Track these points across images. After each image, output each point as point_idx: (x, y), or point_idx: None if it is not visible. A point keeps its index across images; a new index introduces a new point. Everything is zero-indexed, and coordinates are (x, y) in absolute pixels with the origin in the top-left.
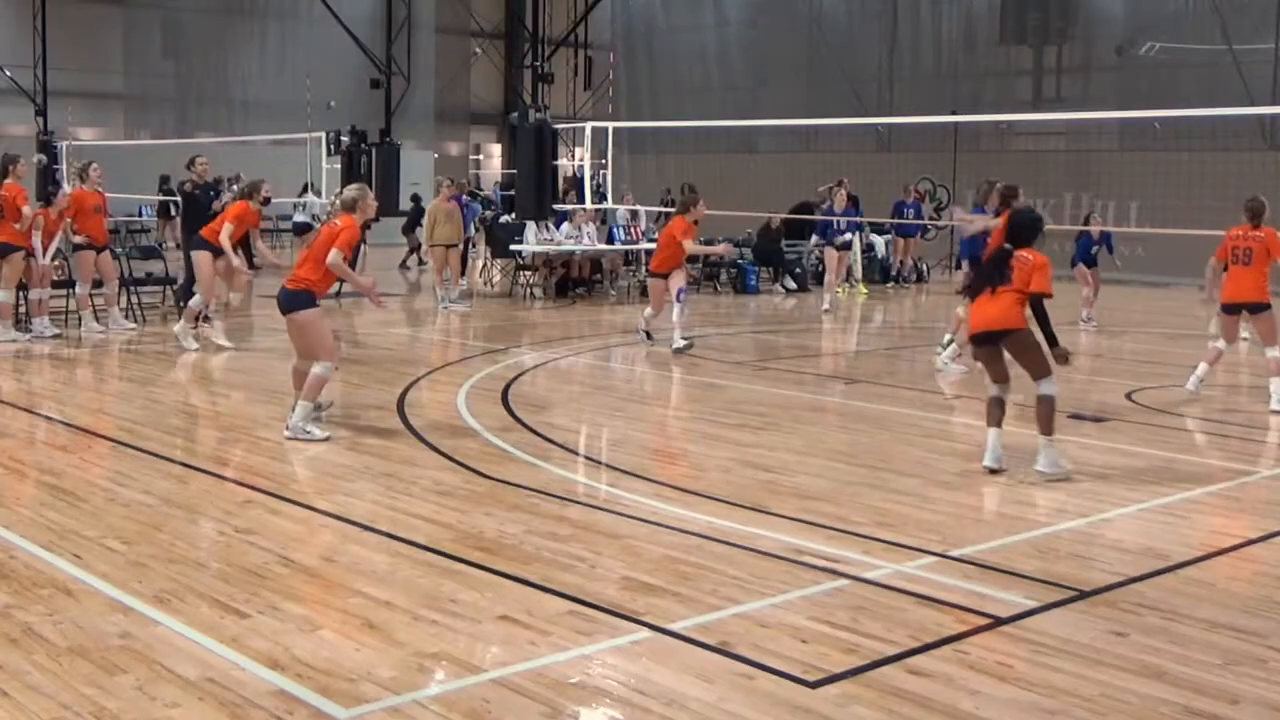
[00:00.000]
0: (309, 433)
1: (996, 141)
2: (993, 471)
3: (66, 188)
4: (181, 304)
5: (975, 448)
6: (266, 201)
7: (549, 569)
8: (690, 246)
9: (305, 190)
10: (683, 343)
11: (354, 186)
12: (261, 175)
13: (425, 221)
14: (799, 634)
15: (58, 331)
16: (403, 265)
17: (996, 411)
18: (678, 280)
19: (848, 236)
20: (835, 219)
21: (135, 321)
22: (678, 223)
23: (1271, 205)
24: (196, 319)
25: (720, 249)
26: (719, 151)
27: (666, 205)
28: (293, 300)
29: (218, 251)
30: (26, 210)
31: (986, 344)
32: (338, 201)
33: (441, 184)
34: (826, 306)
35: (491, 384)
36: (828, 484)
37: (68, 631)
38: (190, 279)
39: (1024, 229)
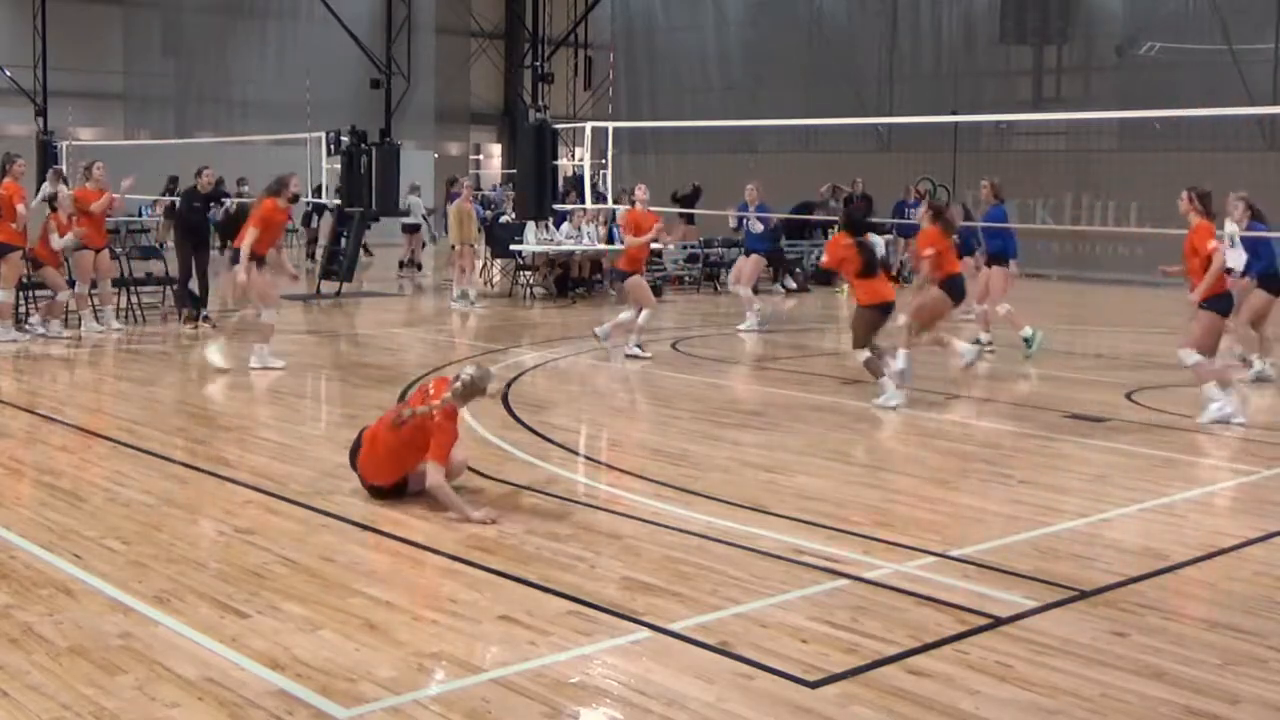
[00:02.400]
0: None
1: (997, 141)
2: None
3: (63, 188)
4: (182, 307)
5: (975, 447)
6: (295, 199)
7: (549, 569)
8: (632, 240)
9: (316, 191)
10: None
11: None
12: (261, 175)
13: (450, 221)
14: (799, 634)
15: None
16: (410, 263)
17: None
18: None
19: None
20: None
21: (136, 322)
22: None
23: (1273, 205)
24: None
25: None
26: (719, 151)
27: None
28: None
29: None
30: (21, 209)
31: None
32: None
33: (463, 184)
34: (743, 325)
35: (491, 384)
36: (827, 484)
37: (68, 631)
38: (185, 279)
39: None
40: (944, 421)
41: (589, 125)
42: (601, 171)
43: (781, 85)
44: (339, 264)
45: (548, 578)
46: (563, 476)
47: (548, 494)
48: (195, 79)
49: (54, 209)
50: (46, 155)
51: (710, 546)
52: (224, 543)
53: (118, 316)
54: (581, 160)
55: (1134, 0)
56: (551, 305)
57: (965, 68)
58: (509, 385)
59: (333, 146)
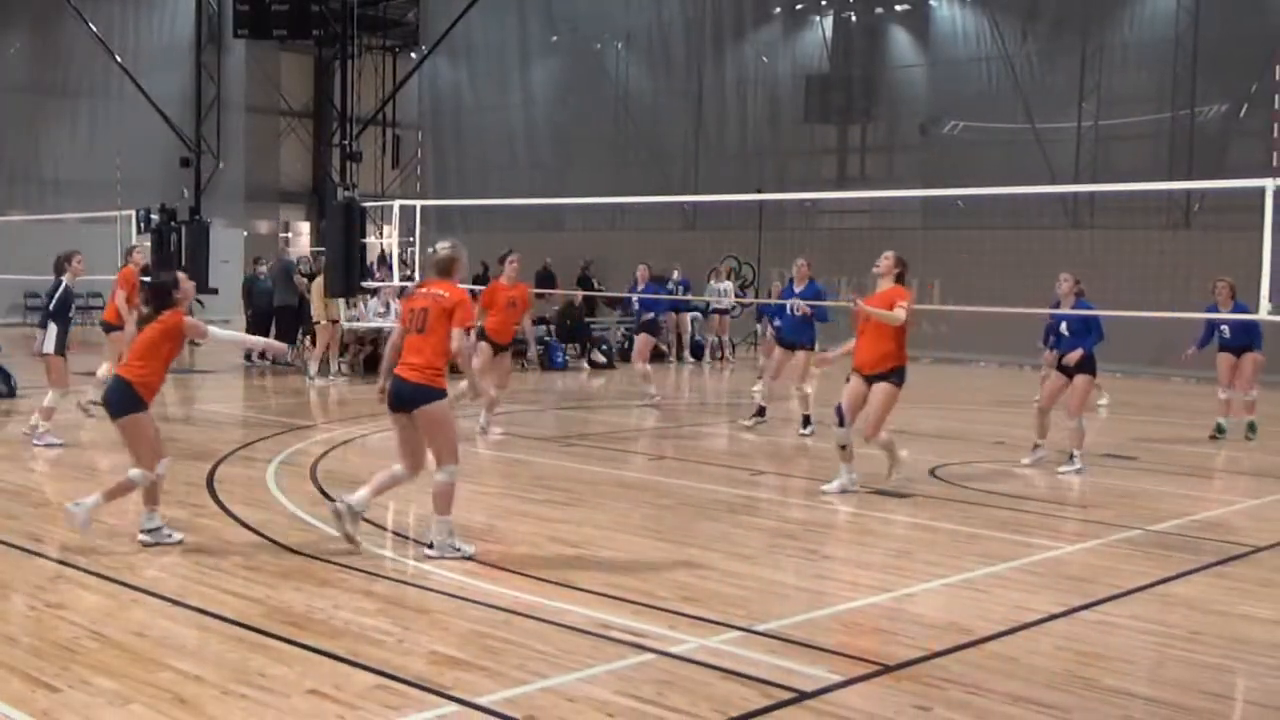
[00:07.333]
0: (457, 549)
1: (802, 219)
2: None
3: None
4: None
5: (779, 522)
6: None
7: (357, 643)
8: None
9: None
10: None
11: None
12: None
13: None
14: (605, 708)
15: None
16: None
17: None
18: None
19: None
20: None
21: None
22: None
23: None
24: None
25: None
26: (527, 230)
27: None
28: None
29: None
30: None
31: None
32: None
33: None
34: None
35: (303, 460)
36: (634, 559)
37: None
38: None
39: None
40: (748, 497)
41: (397, 203)
42: (410, 249)
43: (589, 164)
44: None
45: (356, 652)
46: (370, 552)
47: (356, 569)
48: (5, 158)
49: None
50: None
51: (517, 621)
52: (35, 617)
53: None
54: (390, 238)
55: (938, 80)
56: (360, 381)
57: (770, 146)
58: (317, 461)
59: (143, 224)
